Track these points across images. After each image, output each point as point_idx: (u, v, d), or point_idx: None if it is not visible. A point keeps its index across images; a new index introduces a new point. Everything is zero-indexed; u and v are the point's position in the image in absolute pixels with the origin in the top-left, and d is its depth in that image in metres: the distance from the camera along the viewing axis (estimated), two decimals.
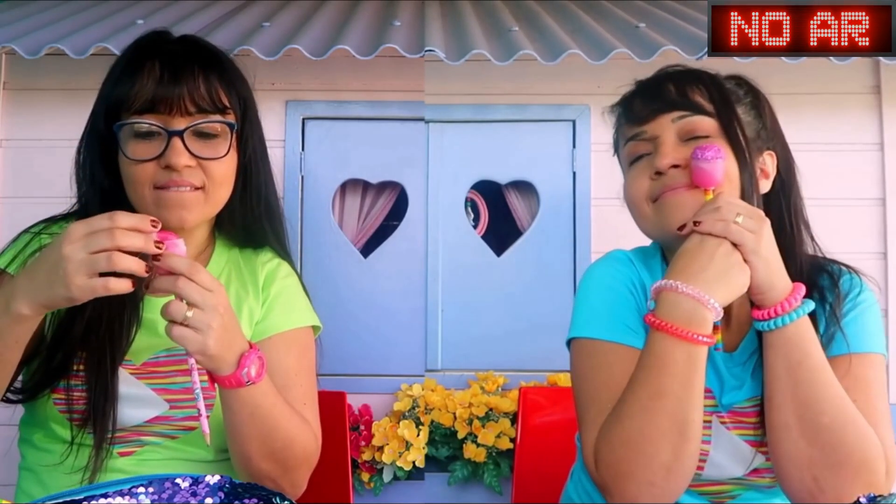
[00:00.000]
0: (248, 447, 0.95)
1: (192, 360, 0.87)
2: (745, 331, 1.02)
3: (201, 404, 0.86)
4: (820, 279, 1.01)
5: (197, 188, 1.02)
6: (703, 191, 0.95)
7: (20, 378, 1.03)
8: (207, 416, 0.88)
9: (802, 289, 0.90)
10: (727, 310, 1.02)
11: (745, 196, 0.98)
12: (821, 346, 0.90)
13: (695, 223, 0.90)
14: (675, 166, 0.98)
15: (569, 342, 1.06)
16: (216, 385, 0.92)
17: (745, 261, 0.87)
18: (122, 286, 0.82)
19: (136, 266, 0.82)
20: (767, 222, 0.89)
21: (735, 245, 0.87)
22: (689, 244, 0.90)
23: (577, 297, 1.08)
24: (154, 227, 0.84)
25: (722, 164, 0.94)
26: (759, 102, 1.05)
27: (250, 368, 0.91)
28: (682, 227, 0.92)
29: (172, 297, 0.86)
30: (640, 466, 0.86)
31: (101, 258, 0.81)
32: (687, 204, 0.95)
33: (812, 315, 0.91)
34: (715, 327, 0.88)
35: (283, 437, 0.97)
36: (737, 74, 1.07)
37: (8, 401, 1.03)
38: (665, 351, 0.86)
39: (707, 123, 1.00)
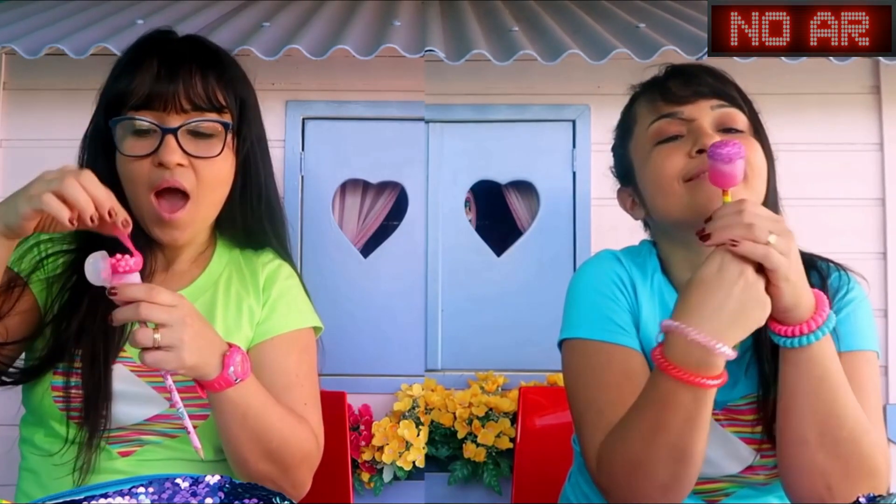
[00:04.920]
0: (244, 449, 0.96)
1: (169, 381, 0.85)
2: None
3: (188, 422, 0.86)
4: (809, 277, 1.01)
5: (184, 198, 1.02)
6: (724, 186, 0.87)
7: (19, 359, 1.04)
8: (196, 427, 0.87)
9: (826, 303, 0.85)
10: None
11: (770, 195, 0.99)
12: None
13: (732, 243, 0.81)
14: None
15: (560, 344, 1.06)
16: (206, 393, 0.92)
17: (774, 285, 0.81)
18: (57, 205, 0.83)
19: (60, 211, 0.83)
20: (794, 237, 0.83)
21: (761, 267, 0.81)
22: (706, 271, 0.82)
23: (566, 299, 1.08)
24: (111, 217, 0.85)
25: (742, 164, 0.86)
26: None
27: (236, 366, 0.91)
28: (703, 236, 0.84)
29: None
30: (638, 486, 0.87)
31: (52, 183, 0.84)
32: None
33: None
34: None
35: (278, 437, 0.97)
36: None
37: (2, 383, 1.03)
38: (669, 391, 0.83)
39: (742, 118, 1.00)
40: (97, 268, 0.83)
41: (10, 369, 1.03)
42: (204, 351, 0.88)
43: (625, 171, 1.11)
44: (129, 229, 0.86)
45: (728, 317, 0.80)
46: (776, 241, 0.80)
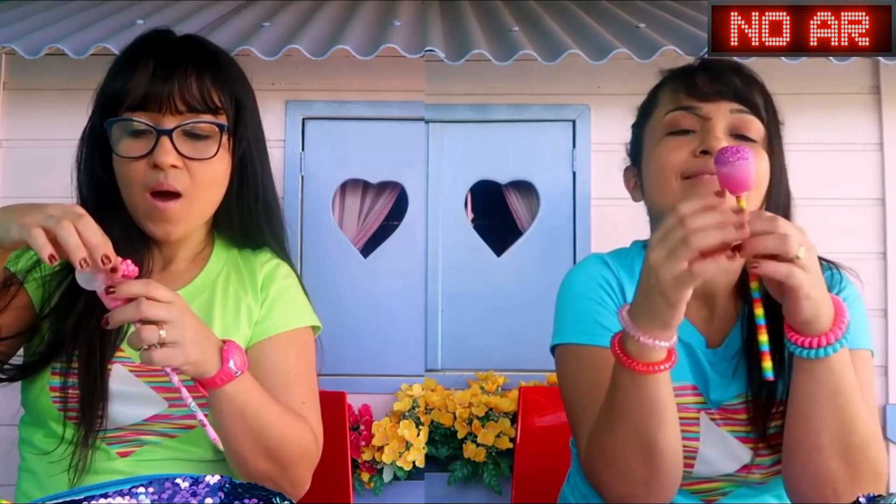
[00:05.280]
0: (242, 448, 0.96)
1: (175, 379, 0.85)
2: (731, 325, 1.02)
3: (200, 415, 0.86)
4: None
5: (179, 196, 1.02)
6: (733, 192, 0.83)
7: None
8: (195, 428, 0.87)
9: (846, 313, 0.83)
10: (711, 303, 1.03)
11: (777, 200, 1.00)
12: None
13: (753, 265, 0.77)
14: None
15: (553, 349, 1.07)
16: (207, 390, 0.92)
17: (794, 301, 0.78)
18: (42, 242, 0.81)
19: (42, 249, 0.81)
20: (816, 251, 0.80)
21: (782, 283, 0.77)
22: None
23: (556, 305, 1.09)
24: (105, 263, 0.82)
25: (749, 165, 0.80)
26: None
27: (234, 358, 0.91)
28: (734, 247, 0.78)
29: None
30: (618, 481, 0.88)
31: (49, 220, 0.82)
32: None
33: None
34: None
35: (276, 434, 0.97)
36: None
37: (10, 379, 1.03)
38: (615, 373, 0.85)
39: (758, 127, 0.99)
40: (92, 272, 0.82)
41: (6, 366, 1.03)
42: (204, 346, 0.88)
43: (636, 151, 1.11)
44: (119, 275, 0.83)
45: (641, 303, 0.80)
46: (804, 256, 0.77)
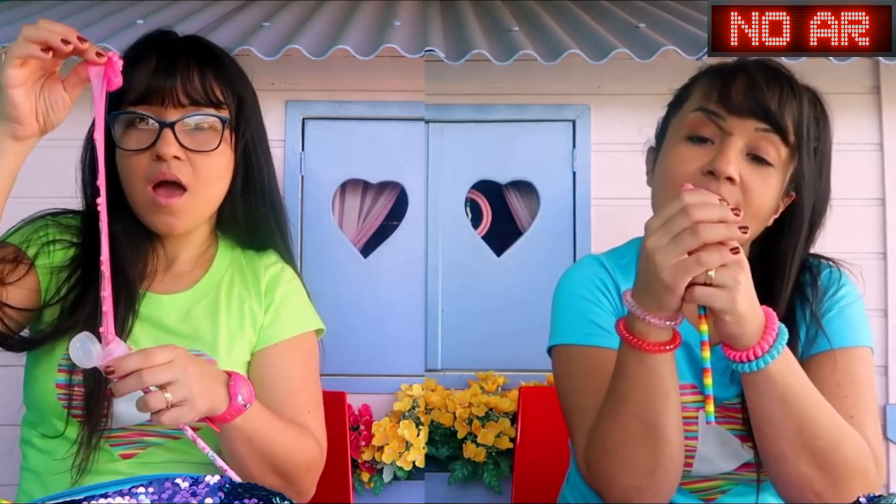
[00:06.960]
0: (250, 467, 0.96)
1: (189, 432, 0.85)
2: None
3: (220, 461, 0.86)
4: (801, 276, 1.01)
5: (182, 189, 1.02)
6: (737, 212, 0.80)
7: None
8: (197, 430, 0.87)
9: (775, 323, 0.82)
10: None
11: (799, 220, 0.99)
12: (806, 374, 0.85)
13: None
14: (731, 179, 0.91)
15: (549, 351, 1.07)
16: (217, 425, 0.91)
17: (717, 318, 0.80)
18: (25, 46, 0.85)
19: (29, 48, 0.84)
20: (744, 265, 0.78)
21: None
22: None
23: (552, 307, 1.09)
24: (82, 42, 0.85)
25: None
26: (822, 147, 1.00)
27: (242, 392, 0.91)
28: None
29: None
30: (623, 471, 0.87)
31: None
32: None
33: (794, 313, 0.90)
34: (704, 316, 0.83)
35: (282, 452, 0.97)
36: (819, 97, 1.01)
37: (9, 347, 1.03)
38: (621, 356, 0.86)
39: (778, 151, 0.93)
40: (87, 351, 0.80)
41: (16, 336, 1.03)
42: (212, 391, 0.88)
43: (660, 136, 1.07)
44: (103, 60, 0.87)
45: (641, 286, 0.82)
46: (717, 276, 0.77)
